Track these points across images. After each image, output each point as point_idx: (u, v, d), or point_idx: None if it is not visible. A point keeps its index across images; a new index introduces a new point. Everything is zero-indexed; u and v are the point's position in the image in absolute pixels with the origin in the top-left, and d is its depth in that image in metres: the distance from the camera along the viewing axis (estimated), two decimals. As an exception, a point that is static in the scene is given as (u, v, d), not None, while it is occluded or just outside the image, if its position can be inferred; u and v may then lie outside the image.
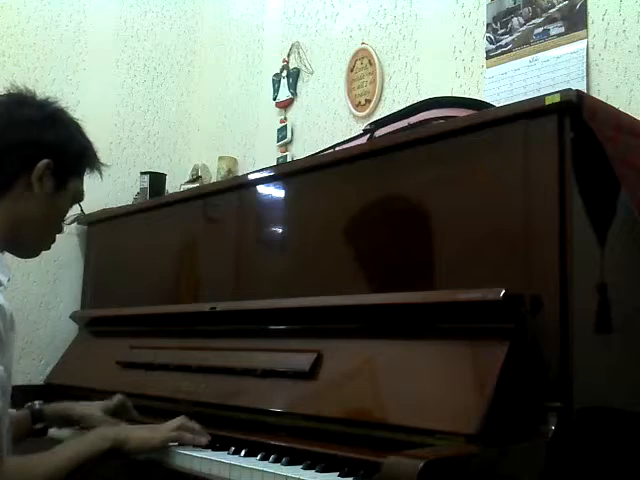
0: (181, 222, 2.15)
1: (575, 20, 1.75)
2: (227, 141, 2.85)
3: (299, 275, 1.70)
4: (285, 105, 2.59)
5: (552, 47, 1.79)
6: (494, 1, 1.94)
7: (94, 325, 2.42)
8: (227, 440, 1.43)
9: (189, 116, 3.03)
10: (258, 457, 1.33)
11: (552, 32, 1.80)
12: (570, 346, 1.19)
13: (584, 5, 1.73)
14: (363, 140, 1.77)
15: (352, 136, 1.93)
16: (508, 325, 1.20)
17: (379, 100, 2.22)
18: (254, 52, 2.80)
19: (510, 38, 1.89)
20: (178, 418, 1.46)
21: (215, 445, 1.43)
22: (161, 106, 2.95)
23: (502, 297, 1.18)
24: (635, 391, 1.33)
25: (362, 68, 2.29)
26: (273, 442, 1.37)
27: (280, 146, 2.57)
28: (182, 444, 1.42)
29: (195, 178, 2.68)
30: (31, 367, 2.51)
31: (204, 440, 1.43)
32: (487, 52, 1.95)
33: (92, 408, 1.62)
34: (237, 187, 1.96)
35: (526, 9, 1.86)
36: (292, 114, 2.57)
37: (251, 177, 1.92)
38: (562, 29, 1.78)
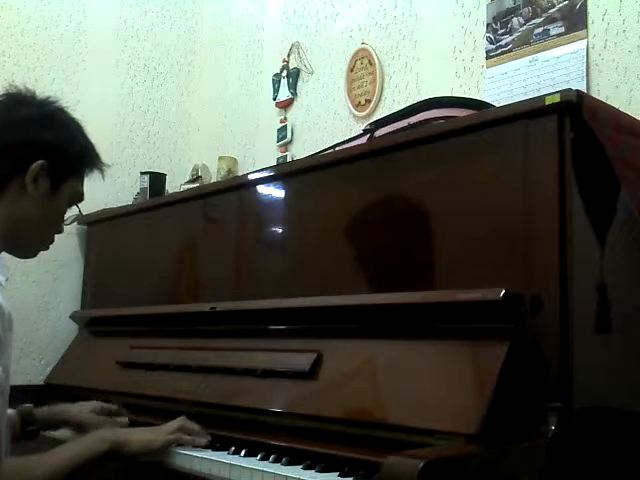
0: (181, 222, 2.15)
1: (575, 20, 1.75)
2: (227, 141, 2.85)
3: (299, 275, 1.70)
4: (285, 105, 2.59)
5: (552, 47, 1.79)
6: (494, 1, 1.94)
7: (94, 325, 2.42)
8: (227, 440, 1.43)
9: (189, 116, 3.03)
10: (258, 457, 1.33)
11: (552, 32, 1.80)
12: (570, 346, 1.19)
13: (584, 5, 1.73)
14: (363, 140, 1.76)
15: (352, 136, 1.93)
16: (508, 325, 1.20)
17: (379, 100, 2.22)
18: (254, 52, 2.80)
19: (510, 38, 1.89)
20: (177, 419, 1.45)
21: (215, 445, 1.43)
22: (161, 106, 2.95)
23: (502, 297, 1.18)
24: (635, 391, 1.33)
25: (362, 68, 2.29)
26: (273, 442, 1.37)
27: (280, 146, 2.57)
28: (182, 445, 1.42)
29: (195, 178, 2.67)
30: (31, 367, 2.51)
31: (204, 441, 1.43)
32: (487, 52, 1.95)
33: (83, 410, 1.60)
34: (237, 187, 1.96)
35: (526, 9, 1.86)
36: (292, 114, 2.57)
37: (251, 177, 1.92)
38: (562, 29, 1.78)
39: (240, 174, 2.57)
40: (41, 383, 2.40)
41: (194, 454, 1.37)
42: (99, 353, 2.22)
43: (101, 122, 2.65)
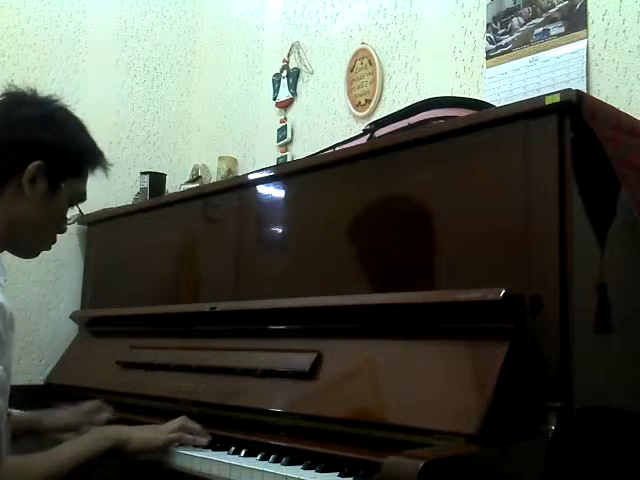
0: (181, 222, 2.15)
1: (575, 20, 1.75)
2: (227, 141, 2.85)
3: (299, 275, 1.70)
4: (285, 105, 2.59)
5: (552, 47, 1.79)
6: (494, 1, 1.94)
7: (94, 325, 2.42)
8: (227, 440, 1.43)
9: (189, 116, 3.03)
10: (258, 457, 1.33)
11: (552, 32, 1.80)
12: (570, 346, 1.19)
13: (584, 5, 1.73)
14: (363, 140, 1.76)
15: (352, 136, 1.93)
16: (508, 325, 1.20)
17: (379, 100, 2.22)
18: (254, 52, 2.80)
19: (510, 38, 1.89)
20: (179, 418, 1.46)
21: (215, 445, 1.43)
22: (161, 106, 2.95)
23: (502, 297, 1.18)
24: (635, 391, 1.33)
25: (362, 68, 2.29)
26: (273, 442, 1.37)
27: (280, 146, 2.57)
28: (183, 445, 1.42)
29: (195, 178, 2.68)
30: (31, 367, 2.51)
31: (205, 441, 1.43)
32: (487, 52, 1.95)
33: (58, 419, 1.59)
34: (237, 187, 1.96)
35: (526, 9, 1.86)
36: (292, 114, 2.57)
37: (251, 177, 1.92)
38: (562, 29, 1.78)
39: (240, 174, 2.57)
40: (41, 383, 2.40)
41: (194, 454, 1.37)
42: (99, 353, 2.22)
43: (101, 122, 2.65)
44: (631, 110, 1.56)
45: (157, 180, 2.60)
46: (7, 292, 1.29)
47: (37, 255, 1.42)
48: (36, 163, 1.31)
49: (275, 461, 1.29)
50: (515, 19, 1.88)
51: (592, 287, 1.28)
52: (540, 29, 1.82)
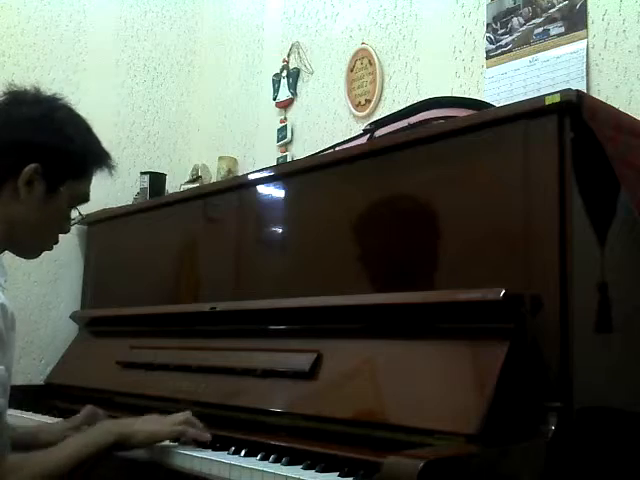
0: (181, 222, 2.15)
1: (575, 20, 1.75)
2: (227, 141, 2.85)
3: (299, 275, 1.70)
4: (285, 105, 2.59)
5: (552, 47, 1.79)
6: (494, 1, 1.94)
7: (94, 325, 2.42)
8: (227, 440, 1.43)
9: (189, 116, 3.03)
10: (258, 457, 1.32)
11: (552, 32, 1.80)
12: (570, 346, 1.19)
13: (584, 5, 1.73)
14: (363, 140, 1.77)
15: (352, 136, 1.93)
16: (508, 325, 1.20)
17: (379, 100, 2.22)
18: (254, 52, 2.80)
19: (510, 38, 1.89)
20: (183, 412, 1.45)
21: (215, 445, 1.43)
22: (161, 106, 2.95)
23: (502, 297, 1.18)
24: (635, 391, 1.33)
25: (362, 68, 2.29)
26: (273, 442, 1.37)
27: (280, 146, 2.57)
28: (186, 439, 1.42)
29: (195, 178, 2.68)
30: (31, 367, 2.51)
31: (207, 436, 1.42)
32: (487, 52, 1.95)
33: (56, 431, 1.55)
34: (237, 187, 1.96)
35: (526, 9, 1.86)
36: (292, 114, 2.57)
37: (251, 177, 1.92)
38: (562, 29, 1.78)
39: (240, 174, 2.57)
40: (41, 383, 2.40)
41: (194, 454, 1.36)
42: (99, 353, 2.22)
43: (101, 122, 2.62)
44: (631, 110, 1.56)
45: (157, 180, 2.60)
46: (7, 292, 1.29)
47: (38, 255, 1.41)
48: (32, 166, 1.28)
49: (275, 461, 1.29)
50: (515, 19, 1.88)
51: (592, 287, 1.28)
52: (540, 29, 1.82)
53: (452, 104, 1.64)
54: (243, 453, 1.35)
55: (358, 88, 2.30)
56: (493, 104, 1.69)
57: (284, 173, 1.85)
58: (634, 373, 1.33)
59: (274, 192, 1.84)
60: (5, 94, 1.35)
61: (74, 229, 2.53)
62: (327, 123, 2.41)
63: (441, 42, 2.07)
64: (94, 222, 2.54)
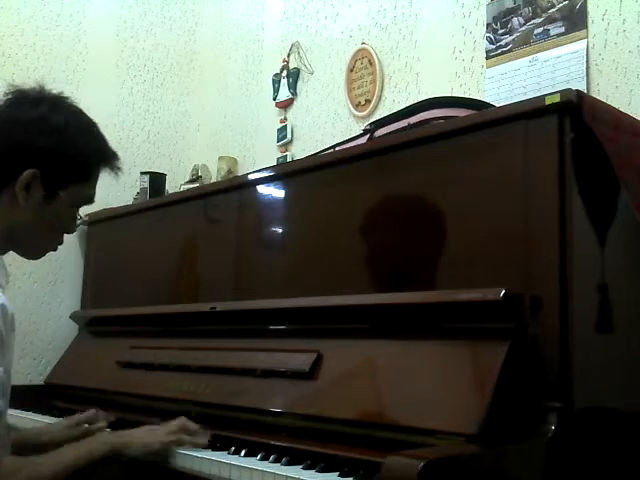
0: (181, 222, 2.15)
1: (575, 20, 1.75)
2: (227, 141, 2.85)
3: (299, 275, 1.70)
4: (285, 105, 2.59)
5: (552, 47, 1.79)
6: (494, 1, 1.94)
7: (94, 325, 2.42)
8: (227, 440, 1.43)
9: (189, 116, 3.03)
10: (258, 457, 1.32)
11: (552, 32, 1.80)
12: (570, 346, 1.19)
13: (584, 5, 1.73)
14: (363, 140, 1.76)
15: (352, 136, 1.93)
16: (508, 325, 1.20)
17: (379, 100, 2.22)
18: (254, 52, 2.80)
19: (510, 38, 1.89)
20: (177, 420, 1.45)
21: (215, 445, 1.43)
22: (161, 106, 2.95)
23: (502, 297, 1.18)
24: (635, 391, 1.32)
25: (362, 68, 2.29)
26: (273, 442, 1.37)
27: (280, 146, 2.57)
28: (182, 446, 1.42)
29: (195, 178, 2.68)
30: (31, 367, 2.51)
31: (204, 441, 1.42)
32: (487, 52, 1.95)
33: (52, 432, 1.55)
34: (237, 187, 1.96)
35: (526, 9, 1.86)
36: (292, 114, 2.57)
37: (251, 177, 1.92)
38: (562, 29, 1.78)
39: (240, 174, 2.57)
40: (41, 383, 2.40)
41: (194, 454, 1.36)
42: (99, 353, 2.22)
43: (101, 122, 2.62)
44: (631, 110, 1.56)
45: (157, 180, 2.60)
46: (7, 292, 1.28)
47: (42, 256, 1.40)
48: (30, 171, 1.26)
49: (275, 461, 1.29)
50: (515, 19, 1.88)
51: (592, 287, 1.28)
52: (540, 29, 1.82)
53: (452, 104, 1.64)
54: (243, 453, 1.35)
55: (358, 88, 2.30)
56: (493, 104, 1.69)
57: (284, 173, 1.85)
58: (634, 373, 1.33)
59: (274, 192, 1.84)
60: (7, 95, 1.32)
61: (74, 229, 2.55)
62: (327, 123, 2.41)
63: (441, 42, 2.07)
64: (94, 222, 2.55)
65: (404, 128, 1.64)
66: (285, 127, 2.56)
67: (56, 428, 1.59)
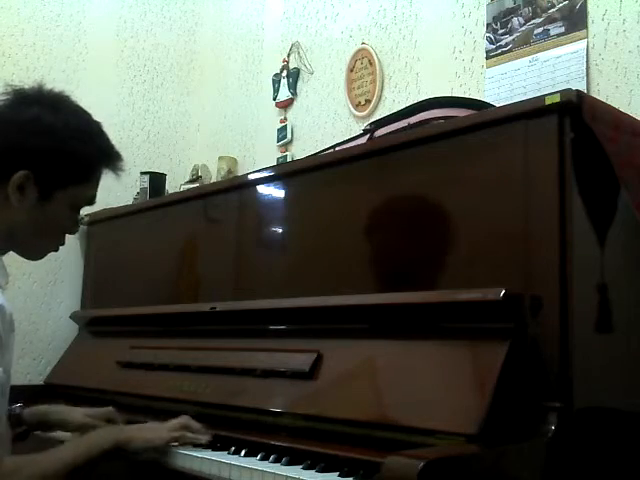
0: (181, 222, 2.15)
1: (575, 20, 1.75)
2: (227, 141, 2.86)
3: (299, 275, 1.70)
4: (285, 105, 2.59)
5: (552, 47, 1.79)
6: (494, 1, 1.94)
7: (94, 325, 2.42)
8: (227, 440, 1.43)
9: (189, 116, 3.03)
10: (258, 457, 1.33)
11: (552, 32, 1.80)
12: (570, 346, 1.19)
13: (584, 5, 1.73)
14: (363, 140, 1.76)
15: (352, 136, 1.93)
16: (508, 325, 1.20)
17: (379, 100, 2.22)
18: (254, 52, 2.80)
19: (510, 38, 1.89)
20: (180, 417, 1.45)
21: (215, 445, 1.43)
22: (161, 106, 2.95)
23: (502, 297, 1.18)
24: (635, 391, 1.32)
25: (362, 68, 2.29)
26: (273, 442, 1.37)
27: (280, 146, 2.57)
28: (184, 443, 1.42)
29: (195, 178, 2.68)
30: (31, 367, 2.51)
31: (206, 438, 1.42)
32: (487, 52, 1.95)
33: (73, 413, 1.57)
34: (237, 187, 1.96)
35: (526, 9, 1.86)
36: (292, 114, 2.57)
37: (251, 177, 1.92)
38: (562, 29, 1.78)
39: (240, 174, 2.57)
40: (41, 383, 2.40)
41: (194, 454, 1.36)
42: (99, 353, 2.22)
43: (101, 122, 2.65)
44: (631, 110, 1.56)
45: (157, 180, 2.60)
46: (7, 292, 1.28)
47: (43, 257, 1.39)
48: (21, 173, 1.24)
49: (275, 461, 1.29)
50: (515, 19, 1.88)
51: (592, 287, 1.28)
52: (540, 29, 1.82)
53: (452, 104, 1.64)
54: (243, 453, 1.35)
55: (358, 88, 2.30)
56: (493, 104, 1.69)
57: (284, 173, 1.85)
58: (634, 373, 1.33)
59: (274, 192, 1.84)
60: (5, 95, 1.31)
61: (74, 229, 2.55)
62: (327, 123, 2.41)
63: (441, 42, 2.07)
64: (94, 222, 2.55)
65: (404, 128, 1.64)
66: (285, 127, 2.56)
67: (74, 413, 1.58)
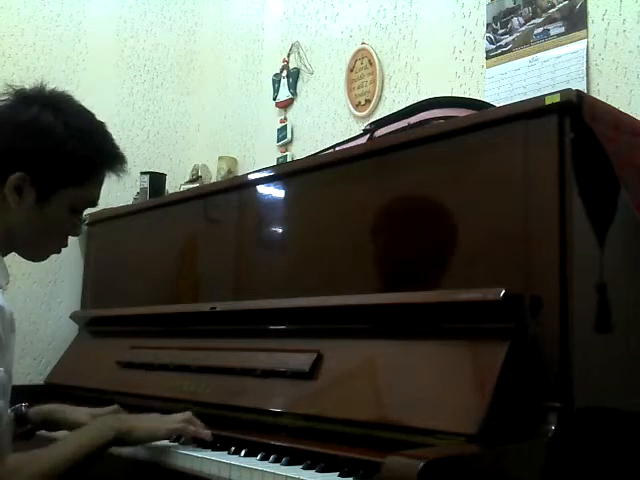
0: (181, 222, 2.15)
1: (575, 20, 1.75)
2: (227, 141, 2.86)
3: (299, 275, 1.70)
4: (285, 105, 2.59)
5: (552, 47, 1.79)
6: (494, 1, 1.94)
7: (94, 325, 2.42)
8: (227, 440, 1.43)
9: (189, 116, 3.03)
10: (258, 457, 1.32)
11: (552, 32, 1.80)
12: (570, 346, 1.19)
13: (584, 5, 1.73)
14: (363, 140, 1.76)
15: (352, 136, 1.93)
16: (508, 325, 1.20)
17: (379, 100, 2.23)
18: (254, 52, 2.80)
19: (510, 38, 1.89)
20: (184, 412, 1.45)
21: (215, 445, 1.43)
22: (161, 106, 2.95)
23: (502, 297, 1.18)
24: (635, 391, 1.33)
25: (362, 68, 2.29)
26: (273, 442, 1.37)
27: (280, 146, 2.57)
28: (186, 436, 1.43)
29: (195, 178, 2.68)
30: (31, 367, 2.51)
31: (207, 434, 1.42)
32: (487, 52, 1.95)
33: (78, 412, 1.57)
34: (237, 187, 1.96)
35: (526, 9, 1.86)
36: (292, 114, 2.57)
37: (251, 177, 1.92)
38: (562, 29, 1.78)
39: (240, 174, 2.57)
40: (41, 383, 2.40)
41: (194, 454, 1.37)
42: (99, 353, 2.22)
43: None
44: (631, 110, 1.56)
45: (157, 180, 2.60)
46: (7, 292, 1.28)
47: (45, 259, 1.39)
48: (17, 174, 1.23)
49: (275, 461, 1.29)
50: (515, 19, 1.88)
51: (592, 287, 1.28)
52: (540, 29, 1.82)
53: (452, 104, 1.64)
54: (243, 453, 1.35)
55: (358, 88, 2.30)
56: (493, 104, 1.69)
57: (284, 173, 1.85)
58: (634, 373, 1.33)
59: (274, 192, 1.84)
60: (7, 95, 1.30)
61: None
62: (327, 123, 2.41)
63: (441, 42, 2.07)
64: (94, 222, 2.54)
65: (404, 128, 1.64)
66: (285, 127, 2.56)
67: (82, 412, 1.57)
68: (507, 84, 1.88)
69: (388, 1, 2.25)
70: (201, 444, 1.43)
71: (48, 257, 1.40)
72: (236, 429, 1.48)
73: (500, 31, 1.92)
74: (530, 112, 1.27)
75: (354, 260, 1.56)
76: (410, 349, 1.33)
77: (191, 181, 2.67)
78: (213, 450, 1.41)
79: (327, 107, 2.42)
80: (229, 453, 1.37)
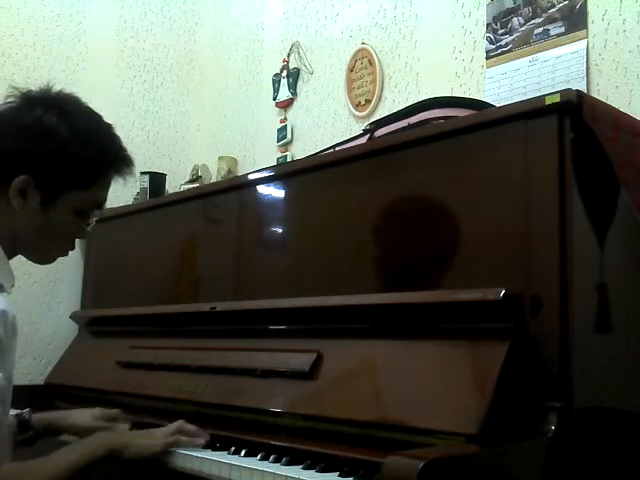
0: (181, 222, 2.15)
1: (575, 20, 1.75)
2: (227, 141, 2.86)
3: (299, 275, 1.69)
4: (285, 105, 2.59)
5: (552, 47, 1.79)
6: (494, 1, 1.94)
7: (94, 325, 2.42)
8: (227, 440, 1.43)
9: (189, 116, 3.03)
10: (258, 457, 1.32)
11: (552, 32, 1.80)
12: (570, 346, 1.19)
13: (584, 5, 1.73)
14: (363, 140, 1.76)
15: (352, 136, 1.93)
16: (508, 325, 1.20)
17: (379, 100, 2.23)
18: (254, 52, 2.80)
19: (510, 38, 1.89)
20: (175, 422, 1.45)
21: (215, 445, 1.43)
22: (161, 106, 2.95)
23: (502, 297, 1.18)
24: (635, 391, 1.32)
25: (362, 68, 2.29)
26: (273, 442, 1.37)
27: (280, 146, 2.57)
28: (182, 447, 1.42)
29: (195, 178, 2.68)
30: (31, 367, 2.51)
31: (202, 441, 1.42)
32: (487, 52, 1.95)
33: (81, 417, 1.56)
34: (237, 187, 1.96)
35: (526, 9, 1.86)
36: (292, 114, 2.57)
37: (251, 177, 1.92)
38: (562, 29, 1.78)
39: (240, 174, 2.57)
40: (41, 383, 2.39)
41: (194, 454, 1.36)
42: (99, 353, 2.22)
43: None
44: (631, 110, 1.56)
45: (157, 180, 2.60)
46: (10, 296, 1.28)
47: (52, 261, 1.37)
48: (21, 178, 1.22)
49: (275, 461, 1.29)
50: (515, 19, 1.89)
51: (592, 287, 1.28)
52: (540, 29, 1.82)
53: (452, 104, 1.64)
54: (243, 453, 1.35)
55: (358, 88, 2.30)
56: (493, 104, 1.69)
57: (284, 173, 1.85)
58: (634, 373, 1.33)
59: (274, 192, 1.84)
60: (12, 97, 1.29)
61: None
62: (327, 123, 2.41)
63: (441, 42, 2.07)
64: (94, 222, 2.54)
65: (404, 128, 1.64)
66: (285, 127, 2.56)
67: (86, 416, 1.57)
68: (507, 84, 1.88)
69: (388, 1, 2.25)
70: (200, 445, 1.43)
71: (55, 260, 1.38)
72: (236, 429, 1.48)
73: (500, 31, 1.92)
74: (530, 112, 1.27)
75: (354, 260, 1.56)
76: (410, 349, 1.33)
77: (191, 181, 2.67)
78: (213, 450, 1.41)
79: (327, 107, 2.42)
80: (229, 453, 1.37)
